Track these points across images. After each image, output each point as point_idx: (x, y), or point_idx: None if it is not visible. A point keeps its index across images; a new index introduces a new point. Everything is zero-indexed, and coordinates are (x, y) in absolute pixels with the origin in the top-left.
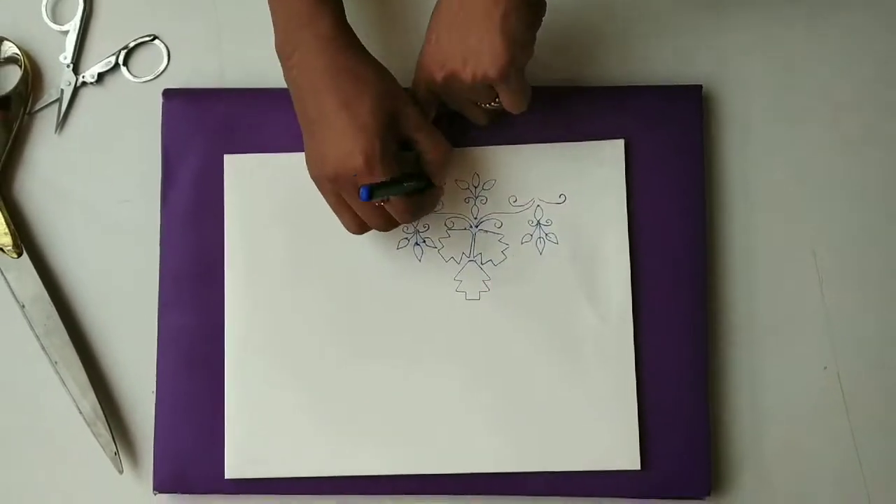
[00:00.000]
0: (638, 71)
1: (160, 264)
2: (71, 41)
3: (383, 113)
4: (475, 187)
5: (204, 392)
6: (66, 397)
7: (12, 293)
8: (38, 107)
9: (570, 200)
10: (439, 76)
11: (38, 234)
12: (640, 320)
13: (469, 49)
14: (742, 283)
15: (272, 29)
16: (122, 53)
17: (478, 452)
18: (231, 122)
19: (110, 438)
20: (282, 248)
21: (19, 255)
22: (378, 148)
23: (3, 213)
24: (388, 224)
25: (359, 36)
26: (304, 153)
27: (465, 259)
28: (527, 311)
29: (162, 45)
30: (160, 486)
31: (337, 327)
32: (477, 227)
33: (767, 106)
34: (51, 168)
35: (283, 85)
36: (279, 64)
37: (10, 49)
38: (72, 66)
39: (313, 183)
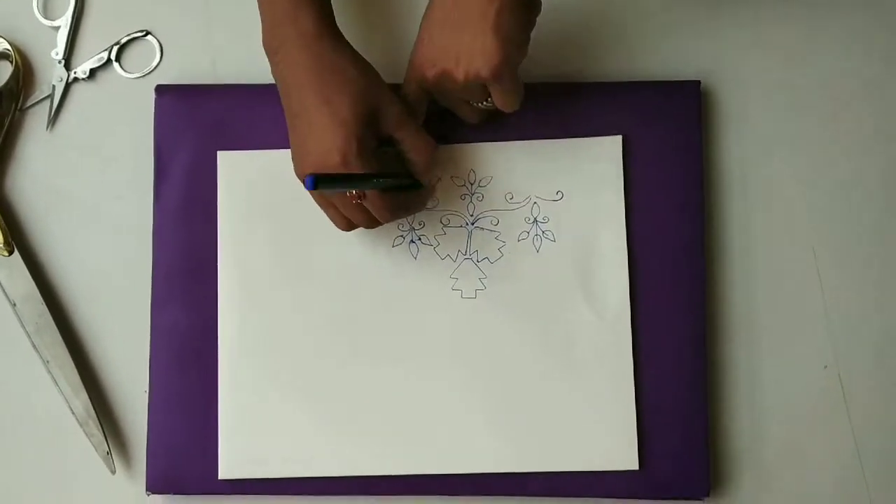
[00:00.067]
0: (636, 67)
1: (153, 261)
2: (62, 37)
3: (364, 110)
4: (471, 184)
5: (197, 391)
6: (58, 396)
7: (3, 291)
8: (29, 103)
9: (568, 197)
10: (431, 74)
11: (29, 232)
12: (638, 318)
13: (462, 48)
14: (741, 281)
15: None
16: (114, 49)
17: (474, 452)
18: (224, 118)
19: (102, 438)
20: (275, 245)
21: (10, 252)
22: (355, 144)
23: None
24: (370, 221)
25: (346, 33)
26: None
27: (461, 257)
28: (524, 309)
29: (154, 41)
30: (153, 487)
31: (331, 325)
32: (473, 224)
33: (766, 102)
34: (42, 165)
35: None
36: None
37: (1, 45)
38: (63, 62)
39: None
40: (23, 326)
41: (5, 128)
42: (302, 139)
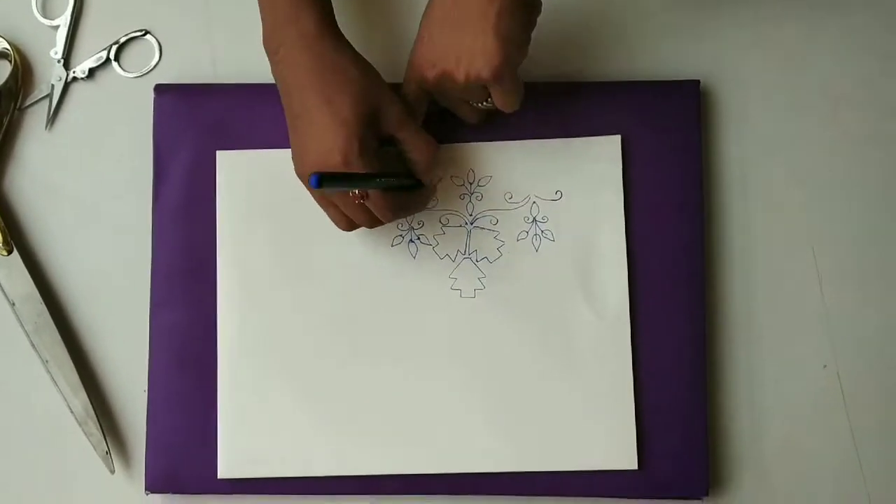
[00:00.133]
0: (636, 67)
1: (152, 261)
2: (62, 36)
3: (365, 110)
4: (470, 184)
5: (196, 390)
6: (57, 396)
7: (2, 291)
8: (28, 102)
9: (567, 197)
10: (431, 75)
11: (28, 231)
12: (638, 318)
13: (463, 49)
14: (740, 281)
15: None
16: (114, 48)
17: (473, 452)
18: (223, 118)
19: (101, 437)
20: (275, 245)
21: (9, 252)
22: (356, 144)
23: None
24: (372, 221)
25: (346, 33)
26: None
27: (460, 256)
28: (523, 309)
29: (153, 40)
30: (152, 486)
31: (330, 325)
32: (472, 224)
33: (766, 102)
34: (41, 164)
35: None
36: None
37: (0, 44)
38: (62, 61)
39: None
40: (22, 326)
41: (4, 127)
42: (303, 139)
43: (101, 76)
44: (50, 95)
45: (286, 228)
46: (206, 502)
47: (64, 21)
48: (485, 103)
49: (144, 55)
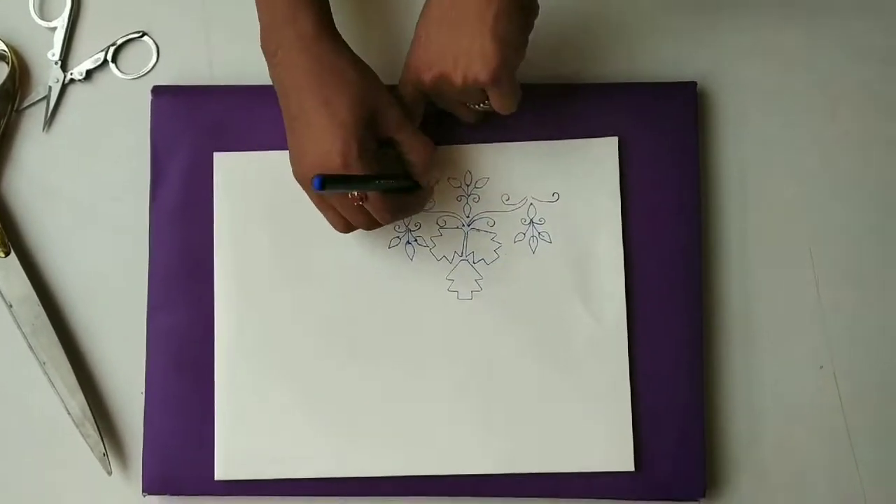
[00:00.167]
0: (634, 70)
1: (149, 263)
2: (59, 38)
3: (363, 111)
4: (467, 185)
5: (193, 393)
6: (54, 398)
7: (0, 293)
8: (25, 104)
9: (564, 199)
10: (428, 77)
11: (25, 233)
12: (635, 320)
13: (460, 51)
14: (737, 282)
15: None
16: (111, 50)
17: (470, 454)
18: (220, 119)
19: (99, 439)
20: (272, 247)
21: (7, 254)
22: (355, 146)
23: None
24: (370, 223)
25: (343, 34)
26: None
27: (457, 258)
28: (520, 310)
29: (151, 42)
30: (149, 488)
31: (327, 327)
32: (469, 225)
33: (764, 105)
34: (38, 166)
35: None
36: None
37: None
38: (60, 62)
39: None
40: (19, 328)
41: (1, 129)
42: (301, 141)
43: (99, 78)
44: (47, 97)
45: (283, 230)
46: None
47: (61, 23)
48: (482, 105)
49: (142, 57)
